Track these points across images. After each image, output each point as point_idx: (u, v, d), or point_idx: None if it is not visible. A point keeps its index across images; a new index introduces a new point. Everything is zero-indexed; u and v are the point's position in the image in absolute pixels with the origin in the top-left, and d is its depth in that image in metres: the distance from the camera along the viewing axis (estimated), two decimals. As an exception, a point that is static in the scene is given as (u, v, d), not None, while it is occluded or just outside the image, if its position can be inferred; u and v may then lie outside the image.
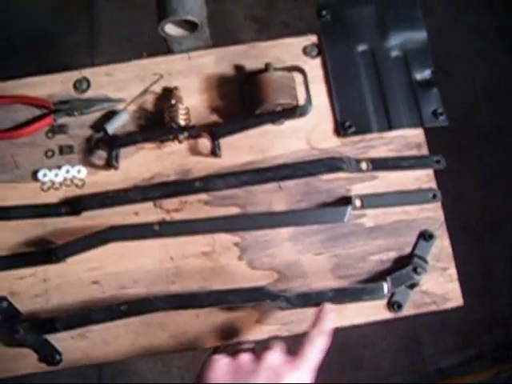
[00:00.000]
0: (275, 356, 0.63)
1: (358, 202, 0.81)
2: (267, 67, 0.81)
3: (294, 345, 0.65)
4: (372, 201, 0.82)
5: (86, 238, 0.77)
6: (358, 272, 0.80)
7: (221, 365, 0.63)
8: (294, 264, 0.80)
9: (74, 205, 0.81)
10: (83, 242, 0.77)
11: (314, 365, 0.62)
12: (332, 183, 0.82)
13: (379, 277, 0.79)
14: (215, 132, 0.81)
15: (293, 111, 0.80)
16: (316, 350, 0.63)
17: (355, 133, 0.83)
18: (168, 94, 0.85)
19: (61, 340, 0.78)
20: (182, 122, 0.81)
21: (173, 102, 0.82)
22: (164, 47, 0.90)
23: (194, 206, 0.82)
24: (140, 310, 0.75)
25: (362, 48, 0.86)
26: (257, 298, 0.74)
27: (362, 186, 0.82)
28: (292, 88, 0.80)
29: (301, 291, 0.76)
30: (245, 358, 0.64)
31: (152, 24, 1.66)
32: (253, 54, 0.87)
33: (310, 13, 1.74)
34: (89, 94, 0.86)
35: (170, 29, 0.82)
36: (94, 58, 1.66)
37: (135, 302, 0.75)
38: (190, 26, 0.81)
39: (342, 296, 0.75)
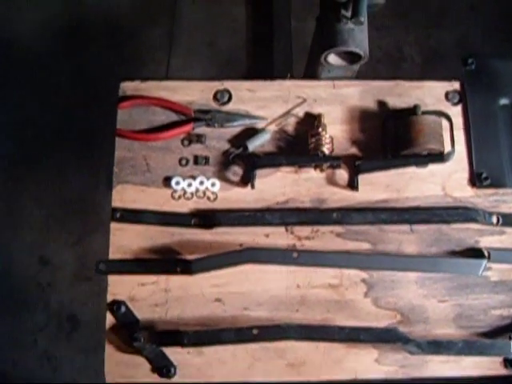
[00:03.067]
0: None
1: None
2: (416, 109, 0.81)
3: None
4: (499, 255, 0.82)
5: (223, 256, 0.75)
6: (478, 324, 0.80)
7: None
8: (418, 308, 0.80)
9: (206, 218, 0.80)
10: (220, 259, 0.75)
11: None
12: (462, 232, 0.83)
13: (499, 332, 0.80)
14: (358, 166, 0.81)
15: (439, 157, 0.80)
16: None
17: (490, 185, 0.84)
18: (310, 119, 0.84)
19: (176, 353, 0.77)
20: (326, 151, 0.80)
21: (320, 129, 0.81)
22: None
23: (326, 237, 0.81)
24: (271, 337, 0.74)
25: (503, 101, 0.87)
26: (389, 340, 0.74)
27: (491, 239, 0.83)
28: (440, 134, 0.80)
29: (431, 338, 0.76)
30: None
31: (232, 32, 1.67)
32: (396, 92, 0.87)
33: (388, 42, 1.76)
34: (229, 106, 0.85)
35: (331, 57, 0.81)
36: (170, 58, 1.64)
37: (267, 328, 0.74)
38: (351, 58, 0.81)
39: (471, 348, 0.75)
